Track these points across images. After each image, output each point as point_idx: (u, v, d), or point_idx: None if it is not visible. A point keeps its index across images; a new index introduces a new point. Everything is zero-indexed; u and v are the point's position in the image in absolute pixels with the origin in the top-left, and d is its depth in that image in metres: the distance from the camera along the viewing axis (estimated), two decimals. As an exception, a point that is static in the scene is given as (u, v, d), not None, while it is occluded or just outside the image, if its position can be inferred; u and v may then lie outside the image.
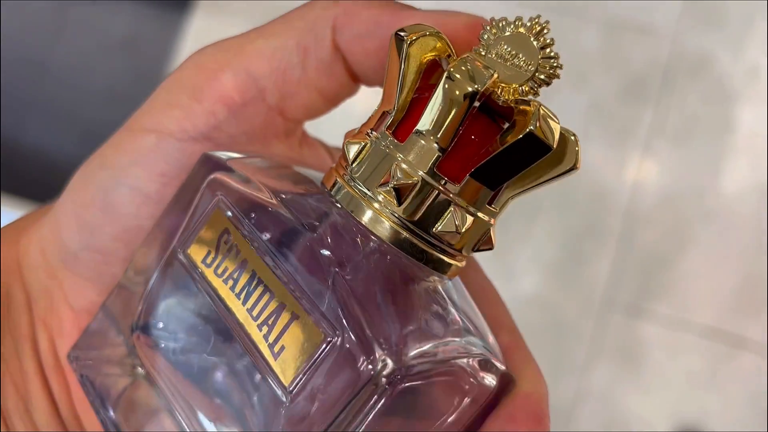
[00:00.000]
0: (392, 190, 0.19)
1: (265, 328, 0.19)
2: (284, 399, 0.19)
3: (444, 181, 0.19)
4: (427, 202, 0.19)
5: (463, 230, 0.19)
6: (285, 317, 0.19)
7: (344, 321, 0.18)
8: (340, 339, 0.18)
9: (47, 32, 1.16)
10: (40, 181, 1.06)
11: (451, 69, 0.18)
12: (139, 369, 0.23)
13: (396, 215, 0.19)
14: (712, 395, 0.96)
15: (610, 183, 1.00)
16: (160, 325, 0.23)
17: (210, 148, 0.23)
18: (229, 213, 0.21)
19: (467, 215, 0.19)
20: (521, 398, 0.20)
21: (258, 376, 0.20)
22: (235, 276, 0.20)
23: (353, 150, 0.20)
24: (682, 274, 0.96)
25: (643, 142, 0.99)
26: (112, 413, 0.23)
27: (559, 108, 0.20)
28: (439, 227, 0.19)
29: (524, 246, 0.99)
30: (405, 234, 0.19)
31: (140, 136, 0.23)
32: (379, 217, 0.19)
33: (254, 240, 0.20)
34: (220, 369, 0.21)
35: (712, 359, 0.96)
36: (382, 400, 0.18)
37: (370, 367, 0.17)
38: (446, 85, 0.18)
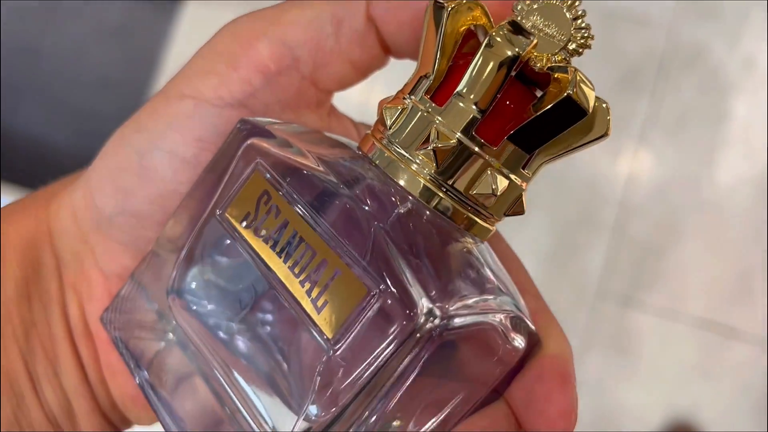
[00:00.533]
0: (431, 152, 0.19)
1: (307, 285, 0.20)
2: (327, 349, 0.19)
3: (481, 144, 0.20)
4: (465, 164, 0.20)
5: (499, 193, 0.20)
6: (327, 273, 0.19)
7: (386, 275, 0.19)
8: (382, 292, 0.19)
9: (40, 20, 1.15)
10: (32, 168, 1.06)
11: (493, 33, 0.19)
12: (171, 335, 0.23)
13: (433, 177, 0.20)
14: (704, 385, 0.96)
15: (605, 173, 1.00)
16: (195, 289, 0.23)
17: (245, 115, 0.23)
18: (268, 175, 0.21)
19: (503, 178, 0.20)
20: (548, 359, 0.21)
21: (294, 338, 0.21)
22: (275, 236, 0.20)
23: (391, 114, 0.20)
24: (676, 265, 0.96)
25: (638, 132, 1.00)
26: (146, 374, 0.23)
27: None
28: (475, 189, 0.20)
29: (519, 235, 0.99)
30: (442, 195, 0.20)
31: (176, 101, 0.24)
32: (417, 179, 0.20)
33: (294, 200, 0.21)
34: (252, 332, 0.22)
35: (704, 350, 0.97)
36: (424, 353, 0.18)
37: (411, 320, 0.18)
38: (488, 49, 0.19)
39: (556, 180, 0.98)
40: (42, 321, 0.24)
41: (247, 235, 0.21)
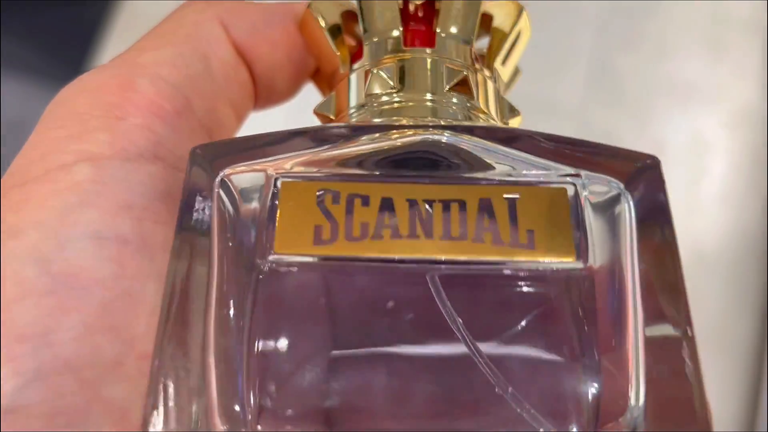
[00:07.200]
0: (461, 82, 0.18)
1: (488, 235, 0.14)
2: (580, 267, 0.15)
3: (478, 64, 0.19)
4: (479, 83, 0.19)
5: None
6: (501, 206, 0.15)
7: (525, 158, 0.16)
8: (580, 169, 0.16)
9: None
10: None
11: None
12: None
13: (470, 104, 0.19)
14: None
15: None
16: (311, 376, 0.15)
17: (163, 169, 0.17)
18: (305, 175, 0.15)
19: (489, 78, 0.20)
20: None
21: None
22: (385, 222, 0.15)
23: (386, 74, 0.18)
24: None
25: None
26: None
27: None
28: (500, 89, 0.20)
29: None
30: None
31: (62, 172, 0.16)
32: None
33: (372, 176, 0.15)
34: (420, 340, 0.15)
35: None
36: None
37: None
38: None
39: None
40: None
41: (339, 248, 0.15)
